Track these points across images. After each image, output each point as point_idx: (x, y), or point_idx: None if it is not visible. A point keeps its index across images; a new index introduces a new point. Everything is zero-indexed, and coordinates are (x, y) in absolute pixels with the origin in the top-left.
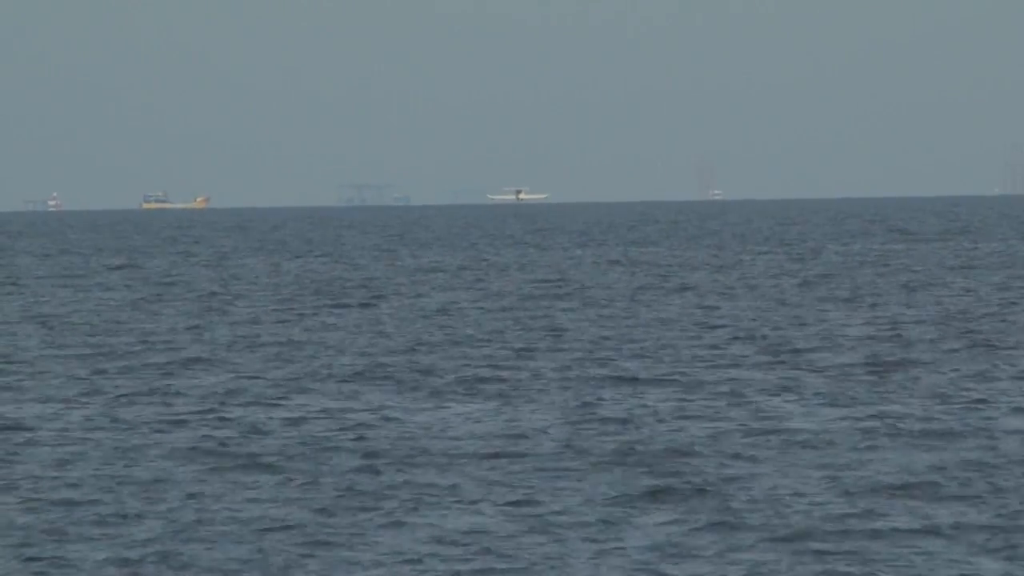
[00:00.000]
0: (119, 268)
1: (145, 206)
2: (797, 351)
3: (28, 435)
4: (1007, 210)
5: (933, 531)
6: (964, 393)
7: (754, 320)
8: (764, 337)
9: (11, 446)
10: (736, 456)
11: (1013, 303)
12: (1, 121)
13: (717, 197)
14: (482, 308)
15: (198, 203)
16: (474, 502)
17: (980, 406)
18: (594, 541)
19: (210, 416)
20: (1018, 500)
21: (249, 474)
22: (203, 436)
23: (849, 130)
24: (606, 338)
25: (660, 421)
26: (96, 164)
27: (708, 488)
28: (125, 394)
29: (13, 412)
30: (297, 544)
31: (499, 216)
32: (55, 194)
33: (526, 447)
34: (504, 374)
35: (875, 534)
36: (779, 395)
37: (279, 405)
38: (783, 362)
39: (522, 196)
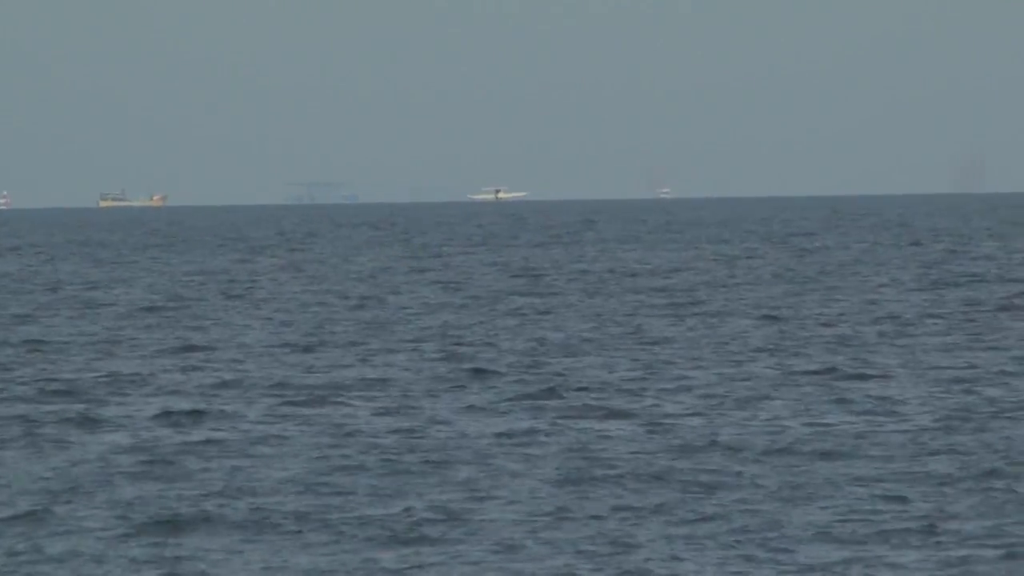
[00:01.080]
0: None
1: (102, 204)
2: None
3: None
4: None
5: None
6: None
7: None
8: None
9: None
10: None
11: None
12: None
13: (665, 195)
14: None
15: (155, 201)
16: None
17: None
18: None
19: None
20: None
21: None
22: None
23: (797, 128)
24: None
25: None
26: (49, 161)
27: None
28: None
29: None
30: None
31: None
32: (5, 192)
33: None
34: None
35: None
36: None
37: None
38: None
39: (501, 195)
